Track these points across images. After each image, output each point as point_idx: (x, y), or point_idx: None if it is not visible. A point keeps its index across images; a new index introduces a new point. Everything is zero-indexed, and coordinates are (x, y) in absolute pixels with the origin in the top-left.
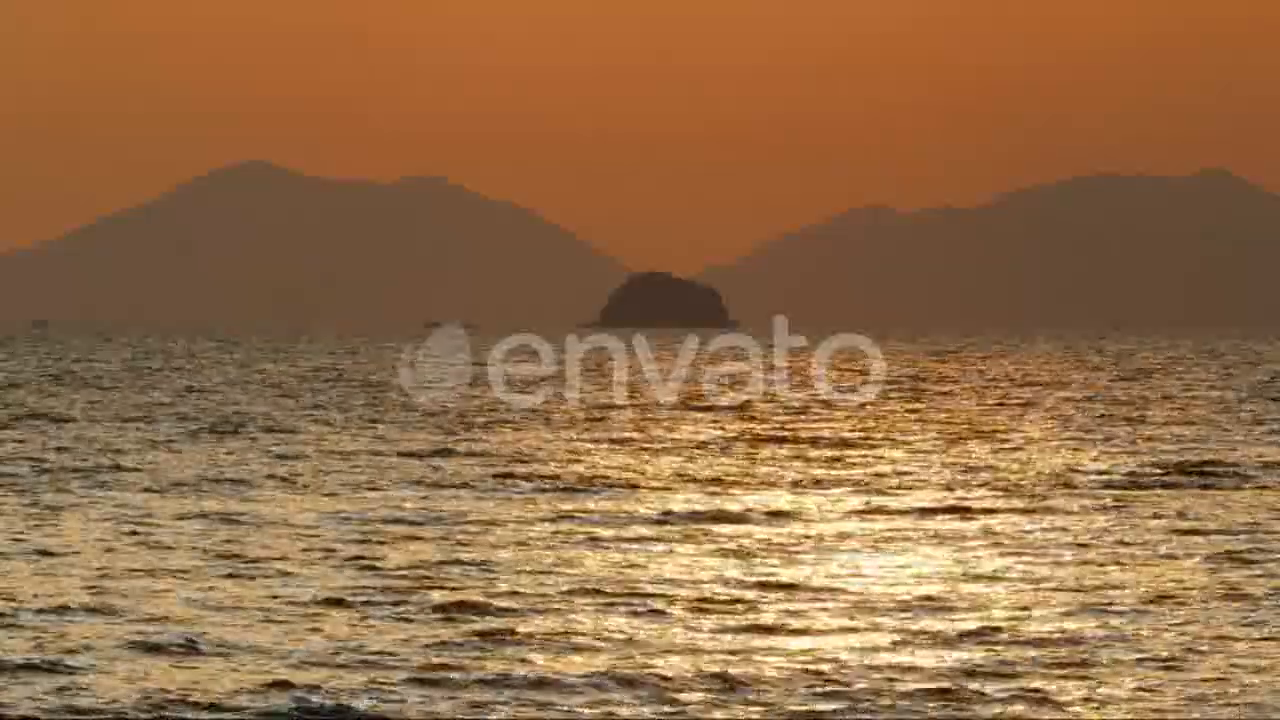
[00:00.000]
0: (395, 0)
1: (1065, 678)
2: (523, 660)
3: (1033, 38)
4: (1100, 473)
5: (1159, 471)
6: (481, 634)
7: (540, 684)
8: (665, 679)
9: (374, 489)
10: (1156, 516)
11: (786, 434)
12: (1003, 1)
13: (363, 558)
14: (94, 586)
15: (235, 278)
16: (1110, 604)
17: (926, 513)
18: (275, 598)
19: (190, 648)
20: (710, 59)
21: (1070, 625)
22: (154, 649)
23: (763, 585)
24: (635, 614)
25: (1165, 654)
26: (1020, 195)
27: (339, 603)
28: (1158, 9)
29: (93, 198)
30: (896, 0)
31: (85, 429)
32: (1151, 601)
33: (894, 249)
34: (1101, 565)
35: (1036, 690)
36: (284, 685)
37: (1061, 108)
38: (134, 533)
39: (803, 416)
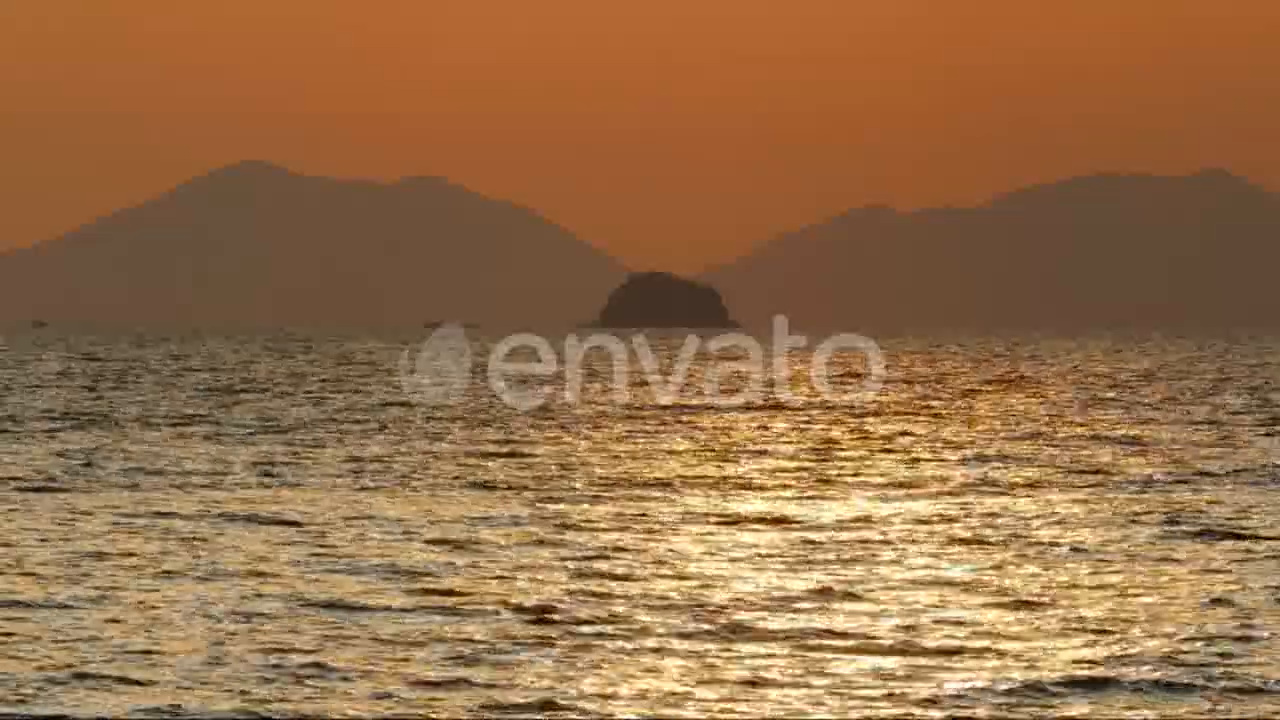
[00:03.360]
0: (395, 0)
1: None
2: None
3: (1033, 38)
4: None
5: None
6: (567, 640)
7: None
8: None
9: (378, 492)
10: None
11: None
12: (1003, 1)
13: (396, 566)
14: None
15: (235, 278)
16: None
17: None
18: (363, 607)
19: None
20: (710, 59)
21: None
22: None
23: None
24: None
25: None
26: (1020, 195)
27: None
28: (1158, 8)
29: (93, 198)
30: (897, 0)
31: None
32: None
33: (894, 249)
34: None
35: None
36: (390, 697)
37: (1061, 108)
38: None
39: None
